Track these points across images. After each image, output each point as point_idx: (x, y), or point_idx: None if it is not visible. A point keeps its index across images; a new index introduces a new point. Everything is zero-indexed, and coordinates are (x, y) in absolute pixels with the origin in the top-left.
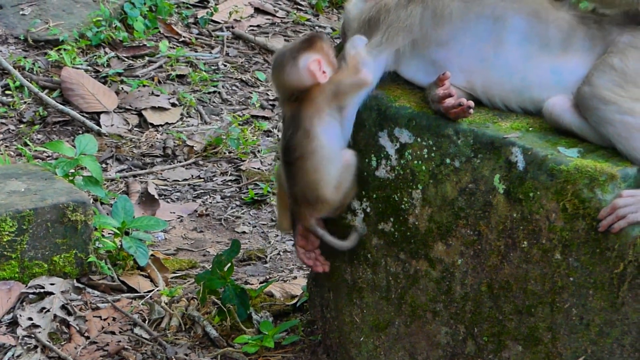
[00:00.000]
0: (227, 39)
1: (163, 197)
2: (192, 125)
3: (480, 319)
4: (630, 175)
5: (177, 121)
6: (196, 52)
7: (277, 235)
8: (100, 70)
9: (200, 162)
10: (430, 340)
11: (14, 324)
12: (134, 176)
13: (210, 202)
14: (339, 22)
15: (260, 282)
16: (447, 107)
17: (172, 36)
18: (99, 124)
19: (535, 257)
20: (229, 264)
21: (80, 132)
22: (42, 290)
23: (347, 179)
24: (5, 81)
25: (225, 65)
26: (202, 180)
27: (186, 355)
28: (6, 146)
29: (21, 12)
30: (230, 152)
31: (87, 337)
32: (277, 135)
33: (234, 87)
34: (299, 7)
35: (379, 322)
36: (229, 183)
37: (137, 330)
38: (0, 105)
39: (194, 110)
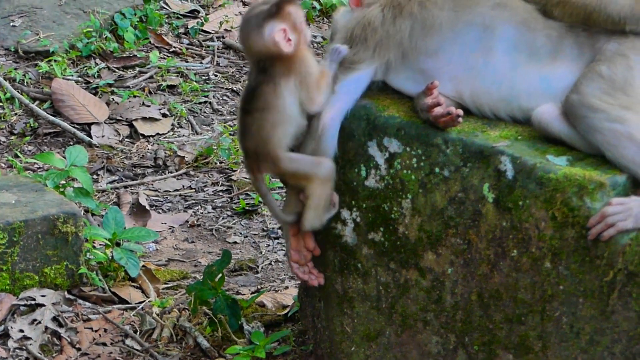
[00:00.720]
0: (217, 48)
1: (154, 207)
2: (183, 135)
3: (470, 328)
4: (619, 183)
5: (168, 132)
6: (187, 62)
7: (269, 246)
8: (91, 81)
9: (192, 173)
10: (421, 350)
11: (5, 336)
12: (125, 187)
13: (202, 213)
14: (329, 31)
15: (252, 293)
16: (436, 116)
17: (162, 46)
18: (89, 135)
19: (525, 265)
20: (220, 275)
21: (71, 143)
22: (33, 302)
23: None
24: None
25: (216, 75)
26: (193, 190)
27: None
28: None
29: (11, 24)
30: (221, 162)
31: (79, 349)
32: None
33: (224, 97)
34: None
35: (369, 332)
36: (220, 193)
37: (128, 341)
38: None
39: (185, 120)
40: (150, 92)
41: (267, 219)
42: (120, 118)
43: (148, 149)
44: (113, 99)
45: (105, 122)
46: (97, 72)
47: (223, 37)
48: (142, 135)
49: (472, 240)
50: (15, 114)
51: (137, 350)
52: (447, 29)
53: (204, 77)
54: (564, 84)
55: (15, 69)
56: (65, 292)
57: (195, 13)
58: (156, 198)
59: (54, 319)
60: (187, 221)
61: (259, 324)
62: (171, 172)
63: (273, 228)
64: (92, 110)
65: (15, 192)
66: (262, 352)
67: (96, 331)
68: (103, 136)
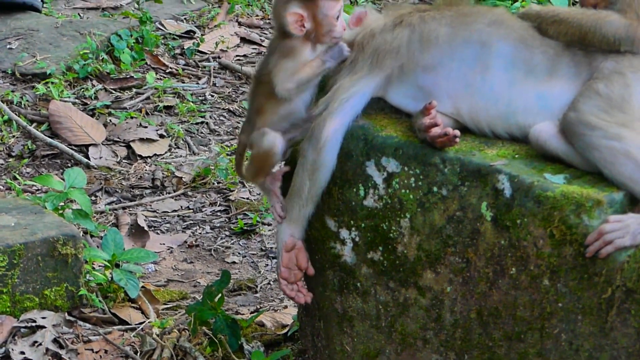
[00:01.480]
0: (213, 69)
1: (153, 228)
2: (181, 156)
3: (470, 346)
4: (616, 201)
5: (166, 152)
6: (183, 82)
7: (267, 265)
8: (88, 102)
9: (189, 193)
10: None
11: (6, 358)
12: (124, 208)
13: (200, 233)
14: None
15: (251, 312)
16: (434, 137)
17: (159, 67)
18: (87, 157)
19: (524, 283)
20: (220, 295)
21: (69, 165)
22: (33, 324)
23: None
24: None
25: (212, 96)
26: (192, 211)
27: None
28: None
29: (8, 46)
30: (218, 183)
31: None
32: None
33: (221, 118)
34: None
35: (369, 351)
36: (218, 213)
37: None
38: None
39: (182, 141)
40: (147, 113)
41: (265, 239)
42: (118, 139)
43: (146, 170)
44: (110, 120)
45: (102, 144)
46: (94, 93)
47: (219, 58)
48: (140, 156)
49: (470, 259)
50: (13, 136)
51: None
52: (445, 44)
53: (200, 98)
54: (561, 102)
55: (13, 91)
56: (66, 314)
57: (191, 34)
58: (154, 219)
59: (55, 340)
60: (185, 241)
61: (258, 344)
62: (169, 193)
63: (271, 248)
64: (89, 131)
65: (15, 214)
66: None
67: (97, 352)
68: (101, 157)
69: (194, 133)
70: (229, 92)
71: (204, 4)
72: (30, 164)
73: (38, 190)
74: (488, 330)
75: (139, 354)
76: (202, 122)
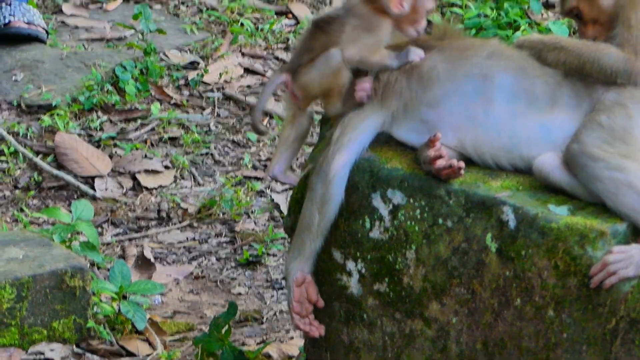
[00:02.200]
0: (218, 100)
1: (159, 260)
2: (186, 187)
3: None
4: (620, 232)
5: (171, 183)
6: (187, 113)
7: (273, 296)
8: (94, 134)
9: (195, 224)
10: None
11: None
12: (130, 240)
13: (206, 264)
14: None
15: (258, 344)
16: (439, 169)
17: (163, 99)
18: (93, 188)
19: (529, 314)
20: (227, 326)
21: (75, 196)
22: (42, 357)
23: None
24: (0, 147)
25: (216, 127)
26: (197, 242)
27: None
28: (2, 212)
29: (14, 78)
30: (224, 214)
31: None
32: (270, 196)
33: (226, 148)
34: None
35: None
36: (224, 244)
37: None
38: None
39: (187, 172)
40: (152, 145)
41: (270, 270)
42: (123, 171)
43: (151, 201)
44: (116, 151)
45: (108, 175)
46: (100, 125)
47: (223, 88)
48: (145, 187)
49: (476, 290)
50: (19, 168)
51: None
52: (446, 80)
53: (204, 129)
54: (564, 133)
55: (18, 123)
56: (74, 346)
57: (195, 64)
58: (160, 250)
59: None
60: (191, 273)
61: None
62: (175, 224)
63: (277, 279)
64: (95, 163)
65: (23, 247)
66: None
67: None
68: (106, 189)
69: (199, 164)
70: (233, 123)
71: (207, 34)
72: (37, 195)
73: (45, 222)
74: None
75: None
76: (206, 153)
